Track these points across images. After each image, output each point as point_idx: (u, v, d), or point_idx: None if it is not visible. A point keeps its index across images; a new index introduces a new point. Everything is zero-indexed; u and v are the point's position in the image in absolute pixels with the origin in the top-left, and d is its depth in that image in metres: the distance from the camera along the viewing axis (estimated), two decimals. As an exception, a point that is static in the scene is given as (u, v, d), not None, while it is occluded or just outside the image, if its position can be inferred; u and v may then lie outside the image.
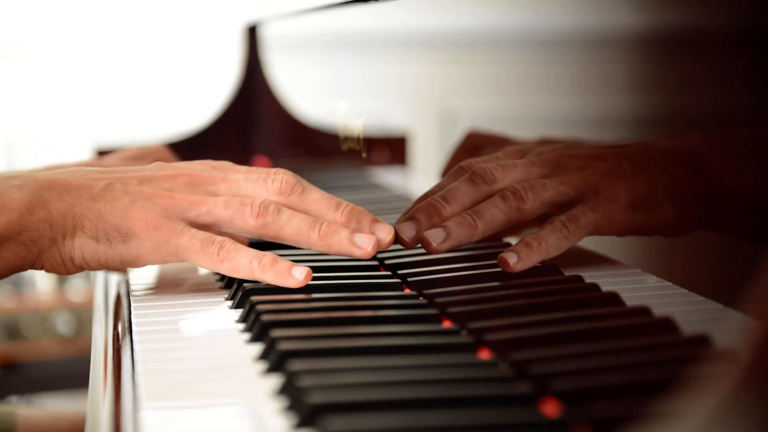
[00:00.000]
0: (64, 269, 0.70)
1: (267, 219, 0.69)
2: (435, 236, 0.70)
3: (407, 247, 0.72)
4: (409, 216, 0.72)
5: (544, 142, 0.79)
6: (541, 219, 0.73)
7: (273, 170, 0.73)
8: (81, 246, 0.69)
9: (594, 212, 0.71)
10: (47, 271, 0.70)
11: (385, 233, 0.70)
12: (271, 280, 0.68)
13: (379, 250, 0.71)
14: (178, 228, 0.68)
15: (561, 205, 0.72)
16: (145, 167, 0.73)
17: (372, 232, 0.70)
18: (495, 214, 0.71)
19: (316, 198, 0.71)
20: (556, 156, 0.74)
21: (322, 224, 0.70)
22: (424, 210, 0.72)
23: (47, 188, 0.69)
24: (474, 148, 0.97)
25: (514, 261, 0.69)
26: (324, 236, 0.69)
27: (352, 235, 0.69)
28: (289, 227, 0.70)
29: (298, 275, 0.68)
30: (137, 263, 0.69)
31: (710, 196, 0.71)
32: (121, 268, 0.70)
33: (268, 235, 0.70)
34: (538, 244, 0.70)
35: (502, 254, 0.70)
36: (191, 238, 0.68)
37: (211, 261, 0.68)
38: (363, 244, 0.69)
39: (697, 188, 0.71)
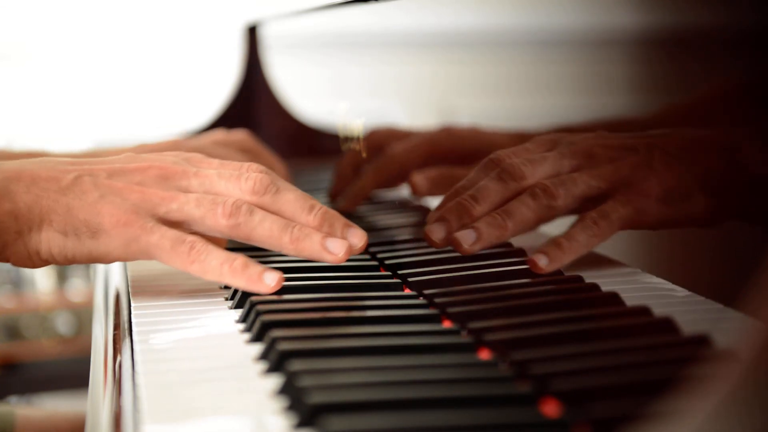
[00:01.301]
0: (30, 263, 0.68)
1: (239, 219, 0.68)
2: (466, 237, 0.70)
3: (437, 247, 0.72)
4: (439, 216, 0.72)
5: (571, 132, 0.78)
6: (571, 211, 0.72)
7: (246, 166, 0.71)
8: (48, 240, 0.67)
9: (625, 207, 0.69)
10: (13, 264, 0.68)
11: (358, 238, 0.69)
12: (241, 285, 0.67)
13: (351, 256, 0.69)
14: (149, 225, 0.67)
15: (592, 199, 0.71)
16: (116, 158, 0.71)
17: (344, 237, 0.69)
18: (525, 212, 0.70)
19: (289, 199, 0.70)
20: (587, 147, 0.72)
21: (294, 227, 0.68)
22: (454, 210, 0.71)
23: (14, 179, 0.67)
24: (378, 147, 1.01)
25: (544, 263, 0.68)
26: (296, 240, 0.68)
27: (324, 239, 0.68)
28: (261, 229, 0.68)
29: (269, 281, 0.66)
30: (106, 259, 0.68)
31: (743, 185, 0.69)
32: (89, 263, 0.69)
33: (239, 235, 0.69)
34: (569, 244, 0.69)
35: (531, 256, 0.69)
36: (162, 237, 0.67)
37: (181, 261, 0.67)
38: (335, 250, 0.68)
39: (730, 177, 0.69)
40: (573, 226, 0.70)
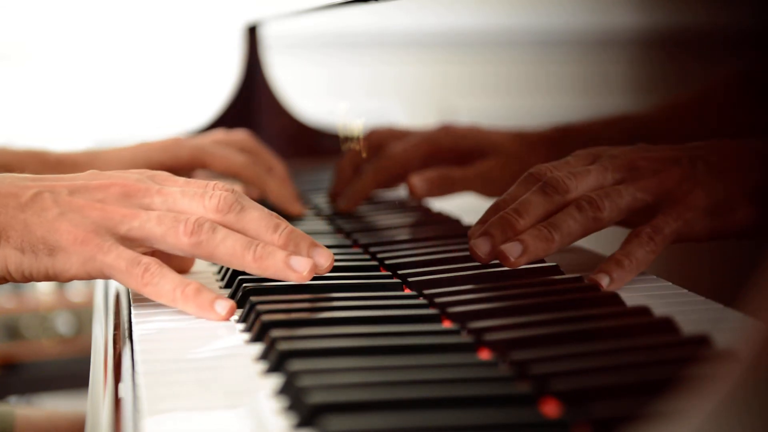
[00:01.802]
0: None
1: (201, 237, 0.67)
2: (512, 250, 0.68)
3: (483, 262, 0.71)
4: (483, 231, 0.70)
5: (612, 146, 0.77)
6: (616, 224, 0.71)
7: (212, 184, 0.70)
8: (5, 257, 0.67)
9: (676, 221, 0.68)
10: None
11: (324, 258, 0.68)
12: (191, 312, 0.66)
13: (316, 275, 0.68)
14: (106, 245, 0.66)
15: (637, 211, 0.70)
16: (77, 176, 0.70)
17: (310, 257, 0.68)
18: (572, 225, 0.69)
19: (254, 217, 0.69)
20: (629, 160, 0.71)
21: (257, 246, 0.67)
22: (498, 224, 0.70)
23: None
24: (378, 147, 1.01)
25: (606, 282, 0.67)
26: (259, 258, 0.67)
27: (288, 257, 0.67)
28: (224, 247, 0.67)
29: (220, 309, 0.66)
30: (62, 277, 0.67)
31: None
32: (46, 280, 0.68)
33: (202, 254, 0.68)
34: (629, 262, 0.68)
35: (592, 275, 0.68)
36: (117, 257, 0.66)
37: (135, 282, 0.66)
38: (299, 268, 0.67)
39: None
40: (629, 242, 0.69)
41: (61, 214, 0.67)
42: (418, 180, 0.97)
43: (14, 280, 0.68)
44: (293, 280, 0.67)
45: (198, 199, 0.69)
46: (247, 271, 0.68)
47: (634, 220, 0.70)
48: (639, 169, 0.71)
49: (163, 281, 0.66)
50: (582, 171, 0.71)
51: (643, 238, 0.68)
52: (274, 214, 0.70)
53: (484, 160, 0.98)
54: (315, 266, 0.68)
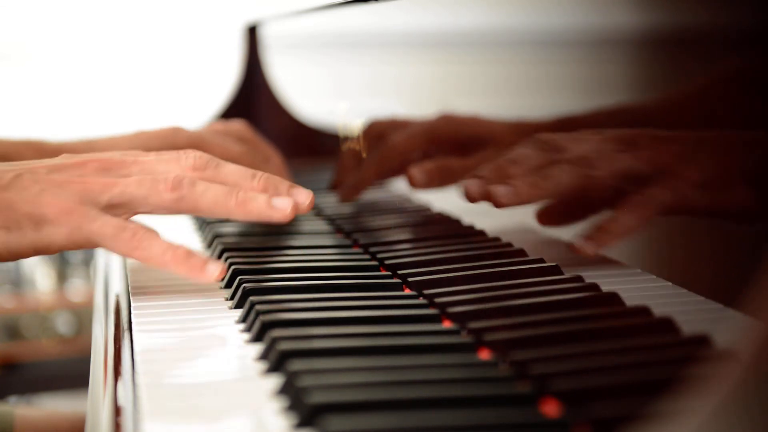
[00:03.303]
0: None
1: (183, 192, 0.69)
2: (502, 191, 0.70)
3: (473, 201, 0.72)
4: (477, 174, 0.72)
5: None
6: (606, 200, 0.72)
7: (184, 150, 0.72)
8: None
9: (666, 192, 0.69)
10: None
11: (304, 197, 0.71)
12: (183, 273, 0.67)
13: (298, 214, 0.71)
14: (92, 213, 0.67)
15: (631, 180, 0.70)
16: (53, 159, 0.72)
17: (290, 197, 0.70)
18: (563, 177, 0.70)
19: (231, 170, 0.71)
20: (631, 136, 0.72)
21: (239, 191, 0.69)
22: (492, 169, 0.72)
23: None
24: (378, 138, 1.01)
25: (590, 248, 0.69)
26: (242, 203, 0.69)
27: (270, 198, 0.69)
28: (206, 198, 0.69)
29: (212, 270, 0.67)
30: (50, 249, 0.68)
31: None
32: (34, 255, 0.69)
33: (186, 208, 0.69)
34: (615, 226, 0.69)
35: (574, 242, 0.69)
36: (104, 224, 0.67)
37: (124, 247, 0.67)
38: (281, 206, 0.69)
39: None
40: (615, 210, 0.69)
41: (43, 190, 0.68)
42: (417, 171, 0.97)
43: (2, 260, 0.68)
44: (277, 219, 0.69)
45: (174, 162, 0.71)
46: (232, 217, 0.70)
47: (628, 191, 0.70)
48: (637, 144, 0.72)
49: (153, 244, 0.67)
50: (582, 137, 0.73)
51: (631, 206, 0.69)
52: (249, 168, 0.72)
53: (483, 150, 0.98)
54: (297, 205, 0.70)
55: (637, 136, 0.73)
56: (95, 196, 0.68)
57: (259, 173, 0.71)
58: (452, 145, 1.00)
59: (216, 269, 0.67)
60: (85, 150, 0.96)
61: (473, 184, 0.72)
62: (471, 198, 0.72)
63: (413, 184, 0.98)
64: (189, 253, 0.67)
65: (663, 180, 0.70)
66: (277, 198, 0.70)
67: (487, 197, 0.71)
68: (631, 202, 0.69)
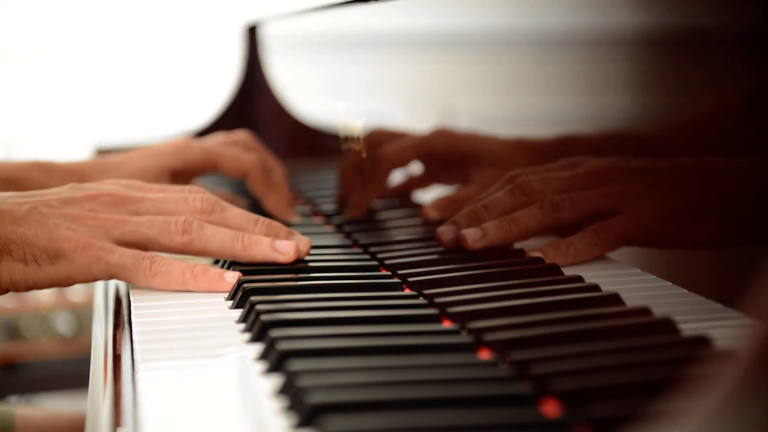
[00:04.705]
0: None
1: (192, 235, 0.73)
2: (472, 235, 0.76)
3: (447, 248, 0.77)
4: (452, 221, 0.78)
5: (597, 156, 0.82)
6: (578, 226, 0.76)
7: (188, 188, 0.76)
8: (8, 270, 0.69)
9: (628, 223, 0.73)
10: None
11: (302, 244, 0.75)
12: (204, 288, 0.71)
13: (298, 258, 0.75)
14: (108, 246, 0.70)
15: (600, 216, 0.74)
16: (62, 189, 0.74)
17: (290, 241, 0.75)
18: (530, 221, 0.76)
19: (236, 215, 0.76)
20: (603, 169, 0.77)
21: (244, 236, 0.74)
22: (466, 215, 0.78)
23: None
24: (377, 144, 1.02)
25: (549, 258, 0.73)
26: (247, 246, 0.73)
27: (273, 242, 0.74)
28: (214, 241, 0.73)
29: (230, 279, 0.71)
30: (67, 283, 0.70)
31: (754, 210, 0.71)
32: (50, 287, 0.71)
33: (194, 250, 0.73)
34: (566, 248, 0.74)
35: (528, 253, 0.74)
36: (123, 255, 0.70)
37: (143, 275, 0.71)
38: (284, 250, 0.74)
39: (740, 202, 0.72)
40: (575, 234, 0.75)
41: (57, 225, 0.70)
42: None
43: (17, 290, 0.71)
44: (280, 261, 0.74)
45: (182, 203, 0.75)
46: (238, 259, 0.74)
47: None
48: (608, 178, 0.76)
49: (171, 268, 0.71)
50: (554, 177, 0.78)
51: (587, 232, 0.74)
52: (250, 212, 0.77)
53: (480, 170, 0.98)
54: (297, 248, 0.74)
55: (607, 170, 0.77)
56: (107, 231, 0.71)
57: (261, 219, 0.76)
58: (445, 159, 1.00)
59: (233, 276, 0.71)
60: (95, 171, 0.97)
61: (446, 232, 0.77)
62: (445, 246, 0.77)
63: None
64: (205, 268, 0.71)
65: (626, 213, 0.74)
66: (279, 242, 0.74)
67: (460, 241, 0.76)
68: (589, 229, 0.74)
